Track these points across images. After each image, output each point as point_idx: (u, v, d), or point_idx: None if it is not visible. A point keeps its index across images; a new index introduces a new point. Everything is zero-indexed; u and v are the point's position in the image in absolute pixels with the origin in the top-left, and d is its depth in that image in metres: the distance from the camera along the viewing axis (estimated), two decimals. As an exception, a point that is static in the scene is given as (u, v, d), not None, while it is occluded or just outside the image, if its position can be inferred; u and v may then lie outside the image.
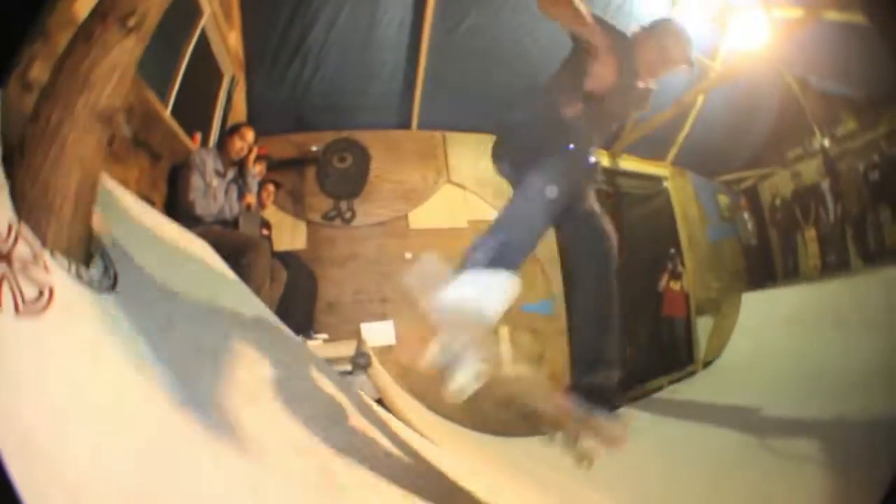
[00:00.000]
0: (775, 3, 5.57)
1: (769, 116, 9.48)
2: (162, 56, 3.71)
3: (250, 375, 2.23)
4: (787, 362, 7.00)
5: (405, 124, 5.08)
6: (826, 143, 9.61)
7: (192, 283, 2.58)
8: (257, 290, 3.09)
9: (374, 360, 3.87)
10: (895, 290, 6.91)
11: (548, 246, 5.39)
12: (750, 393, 6.20)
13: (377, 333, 4.48)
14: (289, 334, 3.00)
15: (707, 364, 7.90)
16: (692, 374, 7.62)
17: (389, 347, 4.52)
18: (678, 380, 7.30)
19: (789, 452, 4.16)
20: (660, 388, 6.93)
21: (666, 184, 8.14)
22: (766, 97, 8.66)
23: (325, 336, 4.15)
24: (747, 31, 5.52)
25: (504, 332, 4.94)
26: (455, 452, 3.57)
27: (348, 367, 3.52)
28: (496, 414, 4.73)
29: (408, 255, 4.76)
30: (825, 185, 9.30)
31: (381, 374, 3.80)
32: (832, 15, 5.80)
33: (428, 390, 4.28)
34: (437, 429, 3.90)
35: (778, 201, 10.06)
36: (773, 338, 7.87)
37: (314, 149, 4.86)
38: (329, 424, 2.45)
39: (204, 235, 3.06)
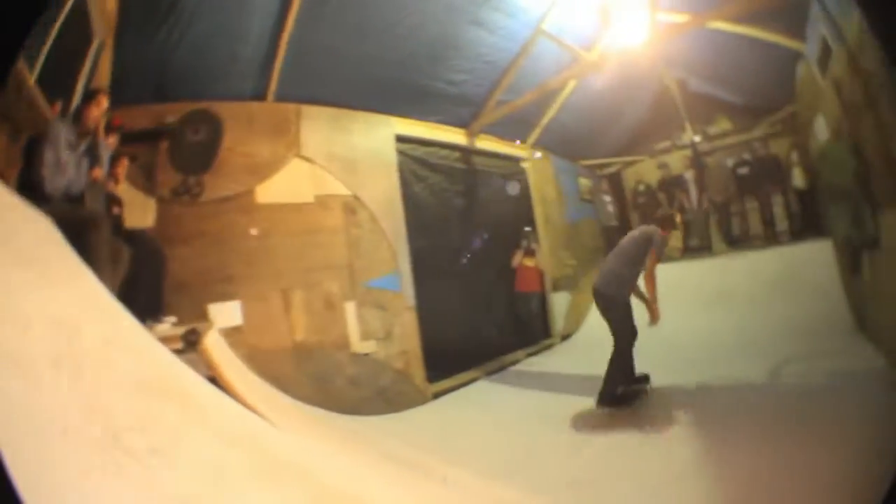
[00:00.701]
0: (664, 5, 6.04)
1: (640, 109, 10.66)
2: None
3: (71, 348, 2.19)
4: (644, 336, 8.29)
5: (261, 95, 5.15)
6: (696, 139, 10.97)
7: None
8: (97, 271, 3.02)
9: (215, 339, 3.89)
10: (755, 271, 8.53)
11: (395, 221, 5.77)
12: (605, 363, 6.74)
13: (224, 314, 4.55)
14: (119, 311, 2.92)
15: (566, 338, 8.79)
16: (550, 347, 8.35)
17: (238, 328, 4.61)
18: (536, 353, 7.94)
19: (651, 419, 4.62)
20: (517, 362, 7.45)
21: (525, 164, 8.71)
22: (640, 91, 9.62)
23: (173, 319, 4.14)
24: (629, 28, 5.93)
25: (351, 307, 5.17)
26: (301, 434, 3.64)
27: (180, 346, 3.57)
28: (349, 392, 4.96)
29: (253, 232, 4.86)
30: (689, 175, 10.73)
31: (221, 353, 3.77)
32: (721, 25, 6.48)
33: (279, 371, 4.46)
34: (285, 411, 3.94)
35: (642, 187, 11.31)
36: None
37: (169, 120, 4.83)
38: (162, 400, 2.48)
39: (52, 213, 2.99)
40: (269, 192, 4.98)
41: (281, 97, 5.19)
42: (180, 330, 3.72)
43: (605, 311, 5.35)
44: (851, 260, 6.47)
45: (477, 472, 3.75)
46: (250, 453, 2.73)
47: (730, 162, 10.61)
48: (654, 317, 5.43)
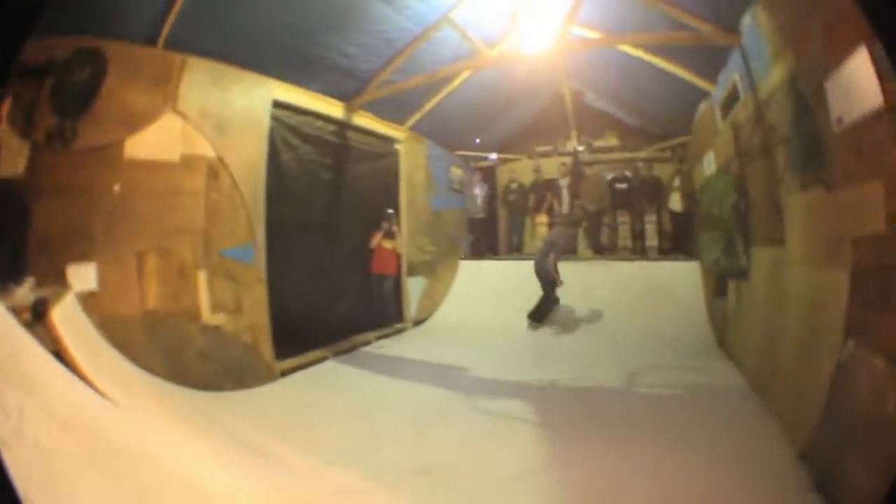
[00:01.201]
0: (580, 18, 6.35)
1: (529, 111, 11.11)
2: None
3: None
4: (498, 328, 8.62)
5: (153, 40, 4.85)
6: (580, 148, 11.74)
7: None
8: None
9: (66, 310, 3.75)
10: (620, 281, 9.29)
11: (256, 188, 5.70)
12: (457, 353, 7.29)
13: (80, 277, 4.32)
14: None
15: (418, 323, 9.16)
16: (401, 331, 8.64)
17: (93, 292, 4.39)
18: (386, 336, 8.18)
19: (496, 411, 4.94)
20: (367, 343, 7.65)
21: (398, 146, 8.84)
22: (532, 93, 9.94)
23: (31, 282, 3.89)
24: (535, 36, 6.18)
25: (203, 276, 5.04)
26: (142, 410, 3.57)
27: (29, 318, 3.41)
28: (198, 366, 4.87)
29: (116, 188, 4.61)
30: (563, 182, 11.38)
31: (69, 326, 3.62)
32: (631, 50, 6.93)
33: (131, 340, 4.33)
34: (132, 388, 3.83)
35: (514, 185, 11.90)
36: (486, 304, 9.49)
37: (58, 57, 4.47)
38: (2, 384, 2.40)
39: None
40: (138, 146, 4.73)
41: (171, 45, 4.94)
42: (31, 298, 3.58)
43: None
44: (718, 284, 7.30)
45: (319, 456, 3.81)
46: (86, 439, 2.67)
47: (609, 176, 11.46)
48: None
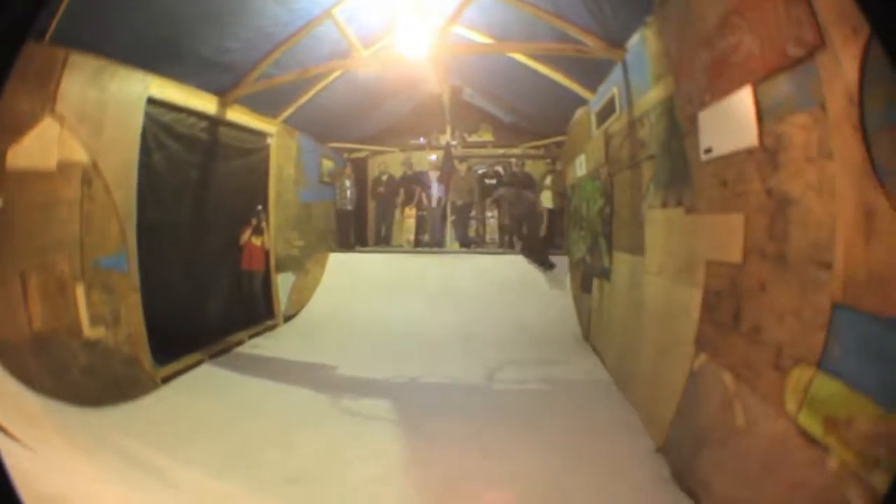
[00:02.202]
0: (462, 21, 6.55)
1: (405, 104, 11.19)
2: None
3: None
4: (365, 323, 8.80)
5: (41, 34, 4.43)
6: (453, 142, 12.02)
7: None
8: None
9: None
10: (486, 274, 9.70)
11: (128, 192, 5.55)
12: (326, 349, 7.50)
13: None
14: None
15: (289, 318, 9.18)
16: (273, 328, 8.64)
17: None
18: (259, 333, 8.17)
19: (361, 412, 5.16)
20: (241, 343, 7.64)
21: (270, 140, 8.78)
22: (409, 87, 10.04)
23: None
24: (413, 41, 6.33)
25: (80, 291, 4.86)
26: (43, 444, 3.40)
27: None
28: (85, 383, 4.71)
29: None
30: (433, 175, 11.67)
31: None
32: (517, 55, 7.27)
33: (22, 364, 4.11)
34: (28, 406, 3.74)
35: (384, 177, 12.06)
36: (355, 297, 9.66)
37: None
38: None
39: None
40: (18, 155, 4.43)
41: (56, 40, 4.61)
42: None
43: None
44: (584, 281, 7.85)
45: (198, 468, 3.91)
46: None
47: (480, 170, 11.89)
48: None
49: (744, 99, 3.03)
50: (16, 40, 1.72)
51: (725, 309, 3.32)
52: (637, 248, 5.13)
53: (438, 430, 4.75)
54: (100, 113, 5.18)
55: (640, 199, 5.11)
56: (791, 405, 2.49)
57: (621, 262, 5.86)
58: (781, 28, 2.57)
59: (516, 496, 3.70)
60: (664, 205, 4.46)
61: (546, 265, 9.63)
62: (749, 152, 3.03)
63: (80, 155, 4.94)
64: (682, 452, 3.69)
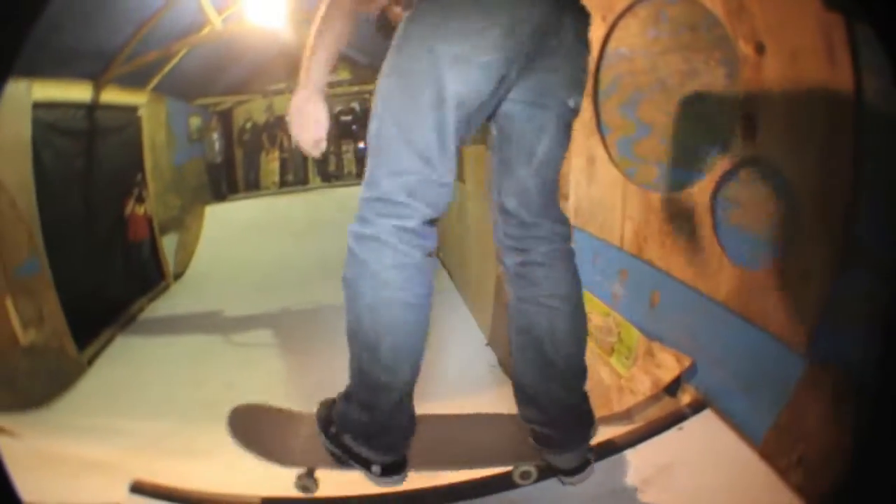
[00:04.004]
0: None
1: (263, 53, 10.51)
2: None
3: None
4: (244, 266, 8.59)
5: None
6: None
7: None
8: None
9: None
10: (347, 205, 9.82)
11: (29, 198, 5.22)
12: (215, 296, 7.49)
13: None
14: None
15: (178, 276, 8.82)
16: (166, 289, 8.31)
17: None
18: (155, 298, 7.86)
19: (247, 342, 5.58)
20: (143, 310, 7.35)
21: (140, 112, 8.21)
22: (264, 37, 8.95)
23: None
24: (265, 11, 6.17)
25: (9, 301, 4.64)
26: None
27: None
28: (31, 387, 4.59)
29: None
30: (288, 118, 11.38)
31: None
32: None
33: None
34: None
35: (249, 125, 11.65)
36: (233, 244, 9.32)
37: None
38: None
39: None
40: None
41: None
42: None
43: None
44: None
45: (140, 417, 4.15)
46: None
47: (336, 108, 11.49)
48: None
49: None
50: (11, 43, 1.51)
51: None
52: (462, 178, 5.45)
53: (308, 347, 5.17)
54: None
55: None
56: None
57: (455, 190, 6.14)
58: None
59: None
60: (474, 141, 4.73)
61: None
62: None
63: None
64: (501, 343, 4.15)
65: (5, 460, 1.14)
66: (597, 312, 2.43)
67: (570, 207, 2.65)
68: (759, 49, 1.54)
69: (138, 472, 3.11)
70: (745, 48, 1.59)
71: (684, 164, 1.91)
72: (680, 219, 1.90)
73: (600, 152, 2.36)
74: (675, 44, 1.95)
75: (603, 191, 2.38)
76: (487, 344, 4.55)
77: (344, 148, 11.78)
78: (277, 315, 6.33)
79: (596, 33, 2.28)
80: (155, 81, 8.10)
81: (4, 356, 4.48)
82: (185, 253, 9.32)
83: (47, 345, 5.03)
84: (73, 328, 5.47)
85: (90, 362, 5.62)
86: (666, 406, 2.00)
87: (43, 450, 3.14)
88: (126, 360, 5.81)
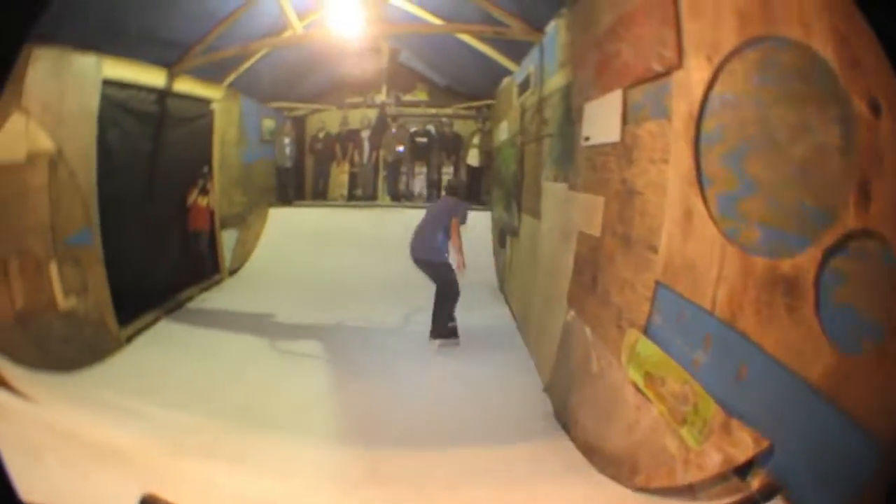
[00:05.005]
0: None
1: (344, 63, 10.79)
2: None
3: None
4: (302, 273, 9.02)
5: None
6: (387, 100, 11.92)
7: None
8: None
9: None
10: (409, 226, 9.72)
11: (89, 172, 5.60)
12: (268, 298, 7.78)
13: None
14: None
15: (233, 272, 9.28)
16: (219, 282, 8.76)
17: None
18: (207, 288, 8.30)
19: (295, 351, 5.72)
20: (192, 298, 7.77)
21: (214, 106, 8.69)
22: (347, 46, 9.36)
23: None
24: (346, 15, 6.46)
25: (54, 267, 5.01)
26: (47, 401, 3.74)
27: None
28: (63, 351, 4.88)
29: None
30: (365, 134, 11.75)
31: None
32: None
33: (9, 342, 4.25)
34: (20, 377, 3.88)
35: (322, 134, 12.04)
36: (293, 249, 9.81)
37: None
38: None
39: None
40: None
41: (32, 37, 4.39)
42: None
43: (430, 272, 6.22)
44: (501, 237, 8.24)
45: (166, 404, 4.30)
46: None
47: (412, 128, 11.89)
48: (461, 266, 6.17)
49: (615, 100, 3.31)
50: (14, 40, 1.73)
51: (588, 273, 3.74)
52: (537, 213, 5.52)
53: (358, 365, 5.34)
54: (60, 101, 5.18)
55: (540, 170, 5.46)
56: (624, 359, 2.89)
57: (527, 224, 6.23)
58: (651, 45, 2.77)
59: (422, 422, 4.19)
60: (555, 179, 4.85)
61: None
62: (613, 146, 3.36)
63: (46, 144, 4.99)
64: (559, 392, 4.15)
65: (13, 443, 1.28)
66: (673, 378, 2.40)
67: (659, 261, 2.63)
68: (875, 109, 1.48)
69: (152, 469, 3.19)
70: (860, 106, 1.52)
71: (790, 230, 1.84)
72: (780, 289, 1.83)
73: (699, 206, 2.30)
74: (786, 94, 1.88)
75: (698, 248, 2.31)
76: (545, 390, 4.52)
77: (417, 170, 12.08)
78: (329, 328, 6.47)
79: (700, 75, 2.29)
80: (231, 78, 8.54)
81: (40, 316, 4.75)
82: (244, 250, 9.75)
83: (87, 315, 5.32)
84: (117, 304, 5.77)
85: (129, 340, 5.89)
86: (734, 487, 1.98)
87: (58, 424, 3.29)
88: (165, 344, 6.04)
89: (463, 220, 6.18)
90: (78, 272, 5.30)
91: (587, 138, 3.84)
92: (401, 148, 11.50)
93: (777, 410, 1.86)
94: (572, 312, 4.00)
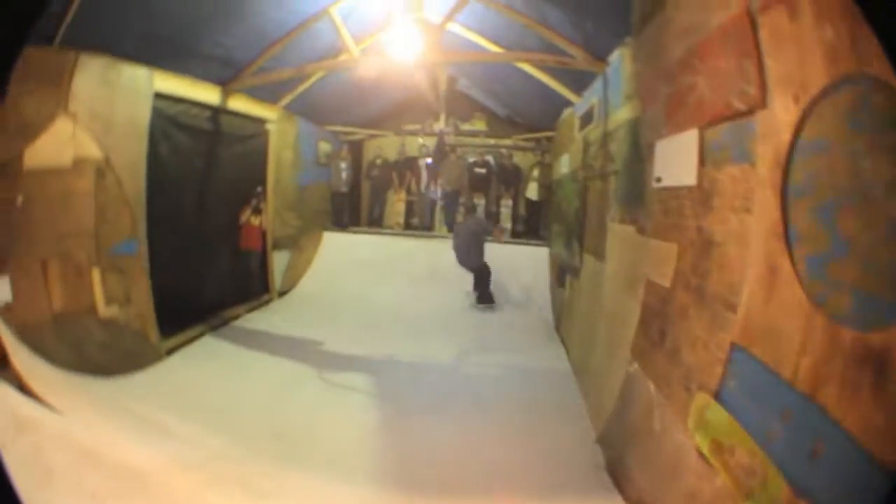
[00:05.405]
0: (458, 21, 6.75)
1: (402, 90, 10.99)
2: None
3: None
4: (353, 300, 9.07)
5: (50, 38, 4.52)
6: (446, 129, 12.04)
7: None
8: None
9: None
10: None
11: (138, 183, 5.80)
12: (316, 324, 7.81)
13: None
14: None
15: (283, 294, 9.45)
16: (268, 303, 8.92)
17: (8, 304, 4.35)
18: (254, 308, 8.46)
19: (341, 383, 5.63)
20: (238, 317, 7.94)
21: (269, 126, 8.92)
22: (406, 75, 9.47)
23: None
24: (406, 42, 6.40)
25: (96, 274, 5.20)
26: (75, 410, 3.83)
27: None
28: (100, 357, 5.03)
29: (19, 200, 4.47)
30: (423, 162, 11.87)
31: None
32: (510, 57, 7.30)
33: (43, 342, 4.43)
34: (51, 379, 4.09)
35: (379, 161, 12.16)
36: (346, 276, 9.90)
37: None
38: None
39: None
40: (35, 155, 4.62)
41: (65, 42, 4.70)
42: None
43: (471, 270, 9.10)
44: (560, 274, 8.06)
45: (199, 426, 4.33)
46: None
47: (470, 159, 11.96)
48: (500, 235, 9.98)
49: (691, 139, 3.13)
50: (14, 42, 1.80)
51: (655, 325, 3.54)
52: (601, 255, 5.34)
53: (405, 404, 5.18)
54: (110, 110, 5.38)
55: (606, 209, 5.28)
56: (691, 423, 2.72)
57: (589, 264, 6.06)
58: (731, 79, 2.60)
59: (469, 467, 4.04)
60: (622, 220, 4.67)
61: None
62: (689, 190, 3.17)
63: (94, 151, 5.17)
64: (614, 445, 3.97)
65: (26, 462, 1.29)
66: (743, 449, 2.25)
67: (736, 321, 2.46)
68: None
69: (169, 499, 3.19)
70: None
71: (886, 300, 1.69)
72: (869, 365, 1.69)
73: (785, 265, 2.14)
74: (881, 142, 1.73)
75: (781, 312, 2.15)
76: (598, 441, 4.34)
77: (475, 201, 12.15)
78: (377, 361, 6.38)
79: (787, 116, 2.14)
80: (287, 99, 8.73)
81: (79, 320, 4.90)
82: (295, 273, 9.89)
83: (128, 324, 5.46)
84: (161, 316, 5.89)
85: (169, 352, 5.99)
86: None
87: (78, 439, 3.30)
88: (205, 360, 6.10)
89: (489, 233, 9.37)
90: (121, 281, 5.47)
91: (659, 179, 3.68)
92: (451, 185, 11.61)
93: (850, 495, 1.74)
94: (636, 365, 3.82)
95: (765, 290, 2.29)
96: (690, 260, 3.09)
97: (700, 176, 3.04)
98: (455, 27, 7.26)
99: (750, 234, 2.44)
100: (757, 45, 2.38)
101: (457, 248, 8.98)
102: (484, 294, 9.05)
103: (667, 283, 3.36)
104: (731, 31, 2.59)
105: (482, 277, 9.04)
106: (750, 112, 2.46)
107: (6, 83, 1.81)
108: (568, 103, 7.71)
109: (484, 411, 5.04)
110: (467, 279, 9.30)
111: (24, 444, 2.89)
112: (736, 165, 2.63)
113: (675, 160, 3.39)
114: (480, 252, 9.01)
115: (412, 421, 4.79)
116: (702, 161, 3.04)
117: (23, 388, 3.56)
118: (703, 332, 2.79)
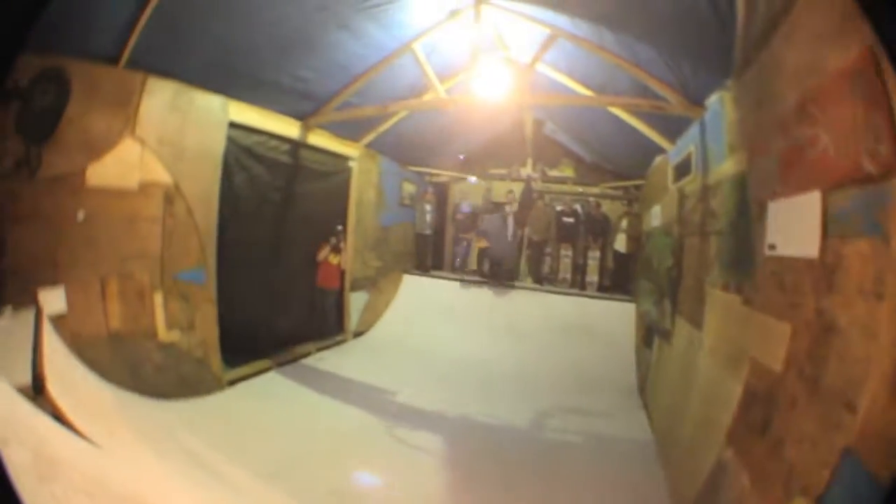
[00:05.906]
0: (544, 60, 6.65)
1: (488, 133, 11.26)
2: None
3: None
4: (431, 349, 8.88)
5: (114, 59, 4.75)
6: (533, 175, 11.96)
7: None
8: None
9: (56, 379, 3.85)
10: (553, 313, 9.54)
11: (209, 213, 5.90)
12: (390, 371, 7.69)
13: (51, 301, 4.41)
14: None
15: (358, 335, 9.40)
16: (341, 343, 8.89)
17: (62, 315, 4.47)
18: (327, 347, 8.45)
19: (409, 441, 5.36)
20: (308, 354, 7.93)
21: (352, 164, 9.01)
22: (493, 118, 10.05)
23: (9, 310, 3.94)
24: (493, 80, 6.39)
25: (159, 298, 5.34)
26: (114, 439, 3.78)
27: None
28: (157, 379, 5.12)
29: (80, 217, 4.67)
30: (509, 208, 11.87)
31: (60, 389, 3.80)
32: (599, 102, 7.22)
33: (97, 357, 4.54)
34: (101, 406, 4.16)
35: (464, 205, 12.09)
36: (424, 322, 9.75)
37: (22, 78, 4.23)
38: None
39: None
40: (98, 174, 4.79)
41: (132, 63, 4.88)
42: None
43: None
44: (647, 335, 7.59)
45: (251, 470, 4.23)
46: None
47: (558, 207, 11.70)
48: None
49: (812, 203, 2.70)
50: (9, 50, 1.82)
51: (758, 412, 3.15)
52: (697, 322, 4.93)
53: (477, 472, 4.88)
54: (180, 136, 5.53)
55: (705, 271, 4.88)
56: (788, 528, 2.36)
57: (682, 329, 5.64)
58: (858, 134, 2.22)
59: None
60: (725, 287, 4.26)
61: None
62: (809, 263, 2.75)
63: (163, 176, 5.32)
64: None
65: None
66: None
67: (854, 423, 2.12)
68: None
69: None
70: None
71: None
72: None
73: None
74: None
75: None
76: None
77: (562, 252, 11.84)
78: (454, 420, 6.13)
79: None
80: (370, 137, 8.78)
81: (137, 342, 4.99)
82: (372, 315, 9.82)
83: (189, 350, 5.51)
84: (226, 345, 5.91)
85: (231, 383, 5.99)
86: None
87: (111, 481, 3.17)
88: (267, 397, 6.04)
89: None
90: (186, 308, 5.56)
91: (773, 246, 3.24)
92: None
93: None
94: (730, 452, 3.43)
95: (891, 393, 1.97)
96: (806, 345, 2.69)
97: (822, 248, 2.63)
98: (542, 67, 7.11)
99: (879, 323, 2.09)
100: (886, 94, 2.03)
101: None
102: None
103: (777, 367, 2.97)
104: (852, 74, 2.24)
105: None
106: (882, 176, 2.11)
107: (6, 83, 1.83)
108: (660, 150, 7.37)
109: (556, 485, 4.73)
110: (549, 335, 9.14)
111: (46, 495, 2.67)
112: (866, 240, 2.25)
113: (793, 226, 2.96)
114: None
115: (479, 492, 4.50)
116: (825, 230, 2.62)
117: (58, 417, 3.50)
118: (814, 429, 2.42)
